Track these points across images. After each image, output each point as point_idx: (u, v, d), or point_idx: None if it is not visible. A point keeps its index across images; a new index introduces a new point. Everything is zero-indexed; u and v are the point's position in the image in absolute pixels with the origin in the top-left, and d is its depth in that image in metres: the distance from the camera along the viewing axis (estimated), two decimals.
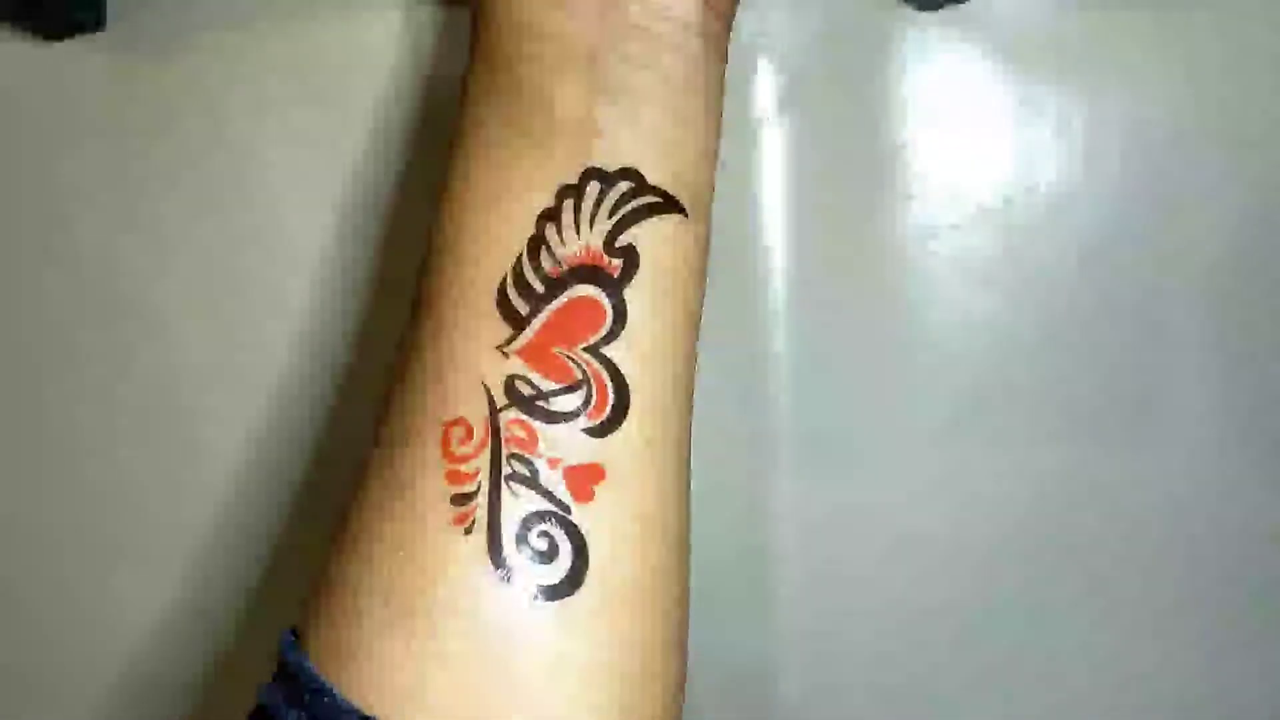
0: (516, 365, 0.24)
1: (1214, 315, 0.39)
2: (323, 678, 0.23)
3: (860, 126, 0.38)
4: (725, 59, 0.27)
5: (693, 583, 0.41)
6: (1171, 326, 0.39)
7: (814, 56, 0.38)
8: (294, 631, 0.25)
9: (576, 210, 0.24)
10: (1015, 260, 0.39)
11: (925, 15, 0.38)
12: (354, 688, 0.23)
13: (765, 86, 0.38)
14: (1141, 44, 0.37)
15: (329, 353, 0.41)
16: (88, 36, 0.39)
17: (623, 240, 0.24)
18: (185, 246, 0.41)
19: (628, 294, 0.24)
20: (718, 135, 0.27)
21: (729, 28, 0.27)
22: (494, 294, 0.24)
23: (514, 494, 0.23)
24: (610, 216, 0.24)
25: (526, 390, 0.24)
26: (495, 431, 0.24)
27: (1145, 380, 0.39)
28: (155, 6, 0.39)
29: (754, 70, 0.38)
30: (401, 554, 0.24)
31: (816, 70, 0.38)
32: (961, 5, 0.37)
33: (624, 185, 0.24)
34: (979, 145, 0.38)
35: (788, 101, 0.38)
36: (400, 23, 0.39)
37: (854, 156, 0.39)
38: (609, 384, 0.24)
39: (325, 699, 0.23)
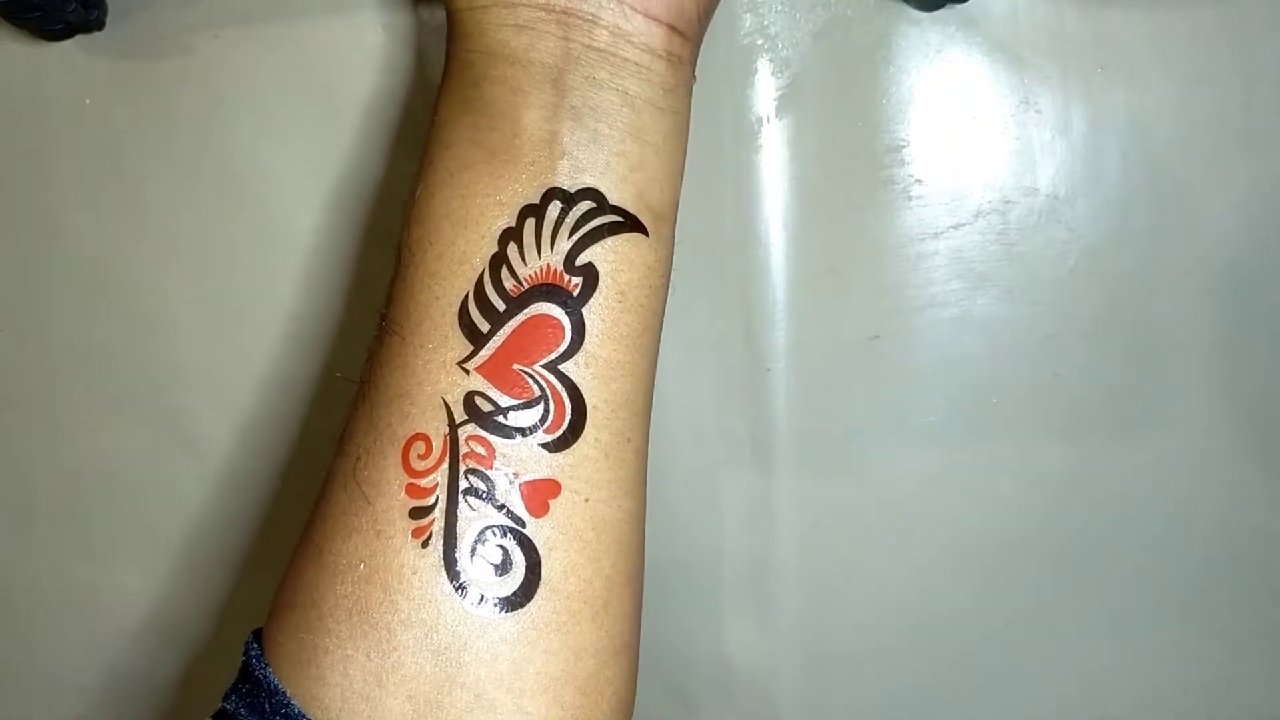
0: (476, 381, 0.24)
1: (1214, 315, 0.39)
2: (283, 687, 0.24)
3: (860, 126, 0.38)
4: (693, 79, 0.27)
5: (692, 584, 0.41)
6: (1171, 326, 0.39)
7: (814, 56, 0.38)
8: (258, 636, 0.26)
9: (538, 229, 0.25)
10: (1015, 260, 0.39)
11: (925, 15, 0.38)
12: (314, 698, 0.23)
13: (765, 86, 0.38)
14: (1141, 44, 0.37)
15: (324, 352, 0.41)
16: (88, 36, 0.40)
17: (582, 259, 0.25)
18: (183, 245, 0.41)
19: (586, 312, 0.25)
20: (683, 155, 0.27)
21: (697, 50, 0.27)
22: (456, 311, 0.25)
23: (470, 508, 0.24)
24: (571, 236, 0.25)
25: (485, 406, 0.24)
26: (454, 447, 0.24)
27: (1145, 380, 0.39)
28: (155, 6, 0.39)
29: (754, 70, 0.38)
30: (363, 566, 0.24)
31: (816, 70, 0.38)
32: (961, 5, 0.37)
33: (585, 205, 0.25)
34: (979, 145, 0.38)
35: (788, 101, 0.38)
36: (399, 24, 0.39)
37: (854, 156, 0.39)
38: (566, 400, 0.24)
39: (284, 709, 0.23)
